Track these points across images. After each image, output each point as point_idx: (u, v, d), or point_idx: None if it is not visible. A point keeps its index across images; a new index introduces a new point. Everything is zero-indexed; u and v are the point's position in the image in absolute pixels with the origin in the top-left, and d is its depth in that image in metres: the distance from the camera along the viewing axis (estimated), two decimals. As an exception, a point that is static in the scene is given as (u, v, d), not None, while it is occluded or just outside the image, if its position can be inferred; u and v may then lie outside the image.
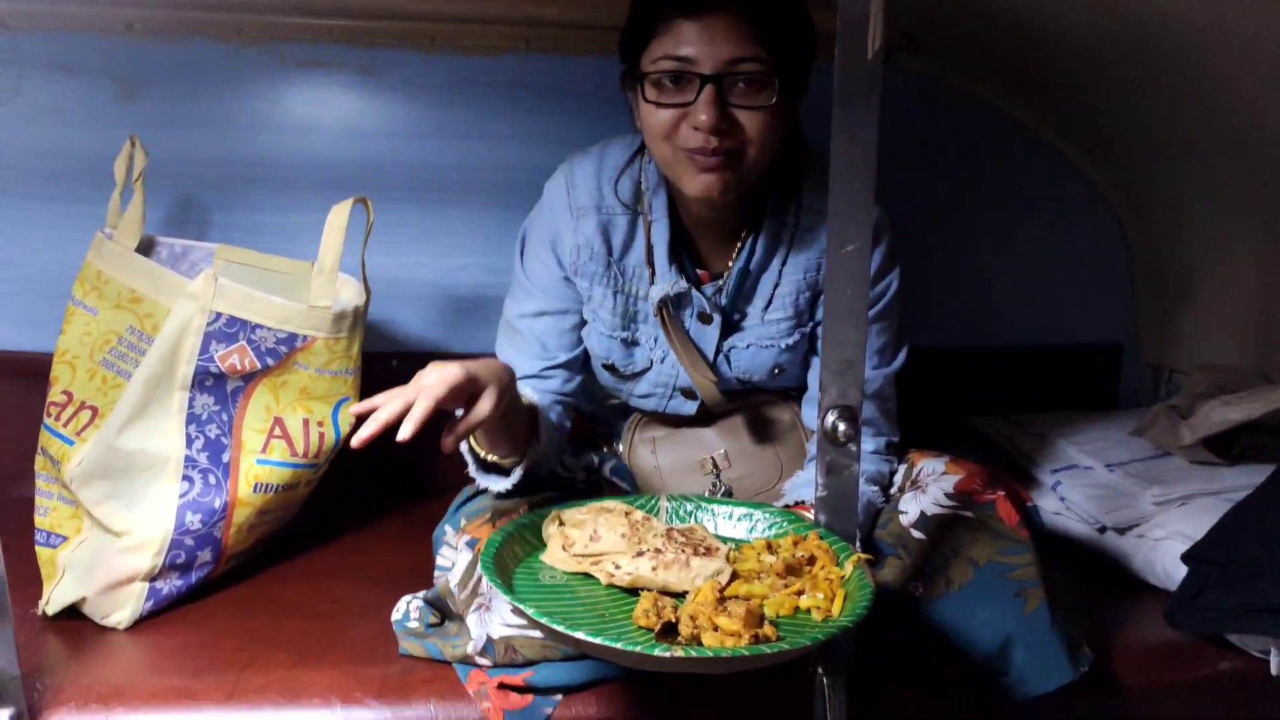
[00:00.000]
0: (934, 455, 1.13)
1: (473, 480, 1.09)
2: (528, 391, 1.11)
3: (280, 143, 1.48)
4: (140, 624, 1.05)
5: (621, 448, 1.25)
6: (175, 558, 1.05)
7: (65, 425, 1.10)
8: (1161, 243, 1.72)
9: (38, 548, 1.08)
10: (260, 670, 0.97)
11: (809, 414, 1.19)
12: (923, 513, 1.05)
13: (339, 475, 1.27)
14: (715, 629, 0.80)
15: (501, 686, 0.97)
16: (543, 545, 0.95)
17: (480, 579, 1.01)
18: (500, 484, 1.06)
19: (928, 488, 1.08)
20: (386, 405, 0.85)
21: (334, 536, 1.31)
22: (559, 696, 0.98)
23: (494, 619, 0.98)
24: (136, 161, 1.23)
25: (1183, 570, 1.16)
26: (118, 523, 1.03)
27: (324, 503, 1.30)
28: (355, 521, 1.36)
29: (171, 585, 1.06)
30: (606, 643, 0.76)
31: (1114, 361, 1.82)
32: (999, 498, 1.07)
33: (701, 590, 0.84)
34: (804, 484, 1.10)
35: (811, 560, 0.89)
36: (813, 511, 0.96)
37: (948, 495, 1.07)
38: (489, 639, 0.97)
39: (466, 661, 0.99)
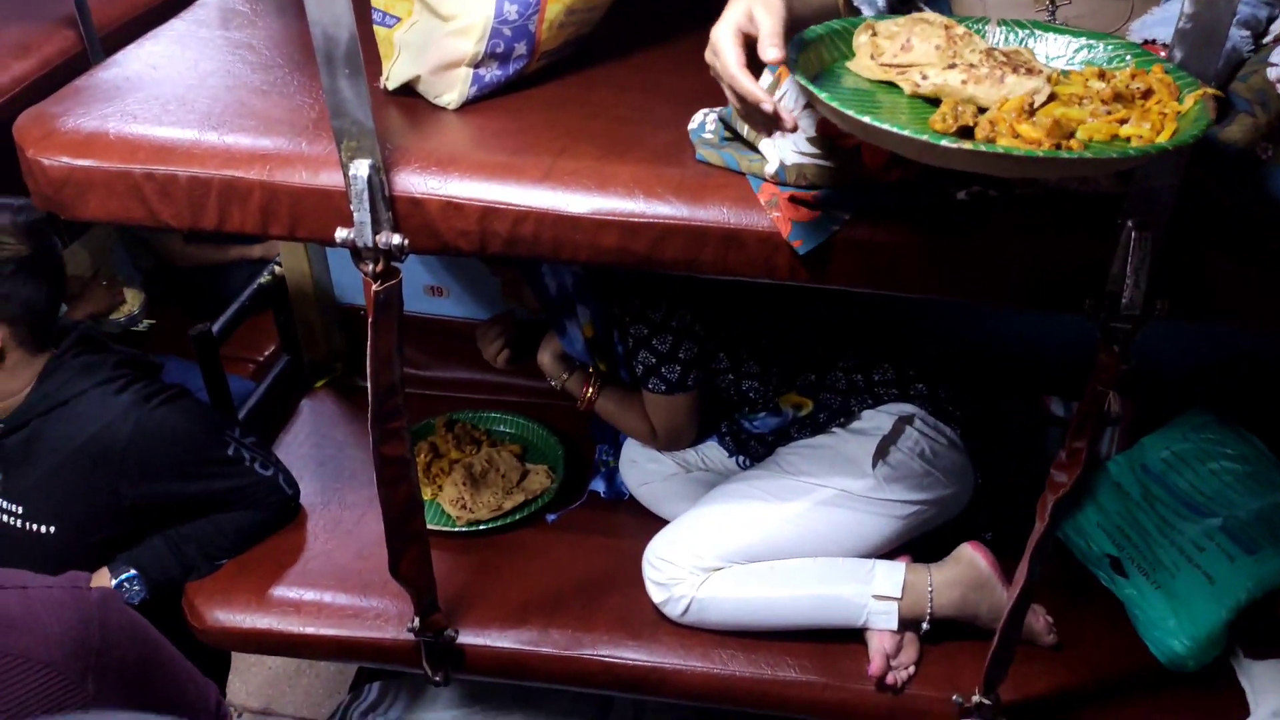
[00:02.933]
0: (1332, 1, 0.95)
1: None
2: None
3: None
4: (466, 107, 1.15)
5: (945, -25, 1.13)
6: (495, 46, 1.10)
7: (392, -92, 1.12)
8: None
9: (375, 27, 1.16)
10: (572, 158, 1.05)
11: (1181, -57, 1.01)
12: (1300, 65, 0.91)
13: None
14: (1016, 137, 0.76)
15: (792, 200, 1.00)
16: (852, 55, 0.92)
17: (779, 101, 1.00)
18: None
19: (1314, 37, 0.92)
20: None
21: (632, 53, 1.32)
22: (846, 216, 1.00)
23: (788, 145, 0.98)
24: None
25: None
26: (444, 6, 1.09)
27: (625, 20, 1.30)
28: (653, 41, 1.36)
29: (492, 74, 1.13)
30: (891, 128, 0.74)
31: None
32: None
33: (1009, 101, 0.79)
34: (1160, 21, 0.96)
35: (1148, 94, 0.81)
36: (1166, 51, 0.85)
37: (1338, 48, 0.90)
38: (782, 164, 0.99)
39: (759, 175, 1.02)
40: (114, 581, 1.42)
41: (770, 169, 1.00)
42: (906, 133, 0.74)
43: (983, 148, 0.73)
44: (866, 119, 0.76)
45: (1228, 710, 1.37)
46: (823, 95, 0.79)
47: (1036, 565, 1.18)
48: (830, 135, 0.98)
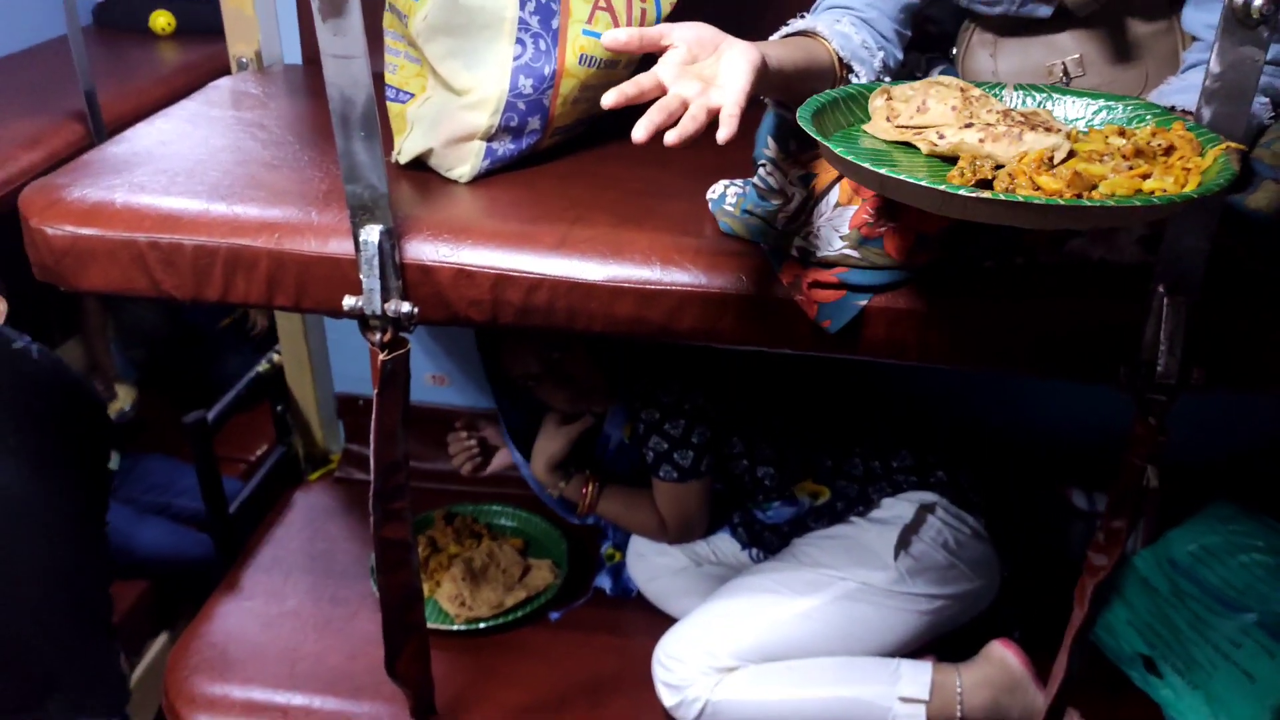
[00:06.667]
0: (1353, 68, 0.95)
1: None
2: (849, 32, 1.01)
3: None
4: (478, 180, 1.13)
5: (955, 51, 1.14)
6: (509, 120, 1.10)
7: (410, -15, 1.13)
8: None
9: (388, 103, 1.16)
10: (586, 226, 1.03)
11: (1192, 16, 1.02)
12: (1324, 130, 0.90)
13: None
14: (1036, 189, 0.74)
15: (814, 285, 0.97)
16: (867, 118, 0.91)
17: (810, 219, 0.99)
18: None
19: (1337, 102, 0.91)
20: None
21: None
22: (870, 294, 0.97)
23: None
24: None
25: None
26: (459, 81, 1.09)
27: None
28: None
29: (505, 148, 1.13)
30: (908, 179, 0.72)
31: None
32: None
33: (1028, 155, 0.77)
34: (1178, 89, 0.96)
35: (1170, 151, 0.79)
36: (1190, 117, 0.84)
37: (1361, 111, 0.90)
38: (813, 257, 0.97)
39: (785, 252, 0.99)
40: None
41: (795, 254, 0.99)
42: (924, 183, 0.72)
43: (1002, 196, 0.71)
44: (883, 170, 0.74)
45: (1281, 821, 1.27)
46: (838, 150, 0.78)
47: (1076, 659, 1.11)
48: (857, 227, 0.97)
